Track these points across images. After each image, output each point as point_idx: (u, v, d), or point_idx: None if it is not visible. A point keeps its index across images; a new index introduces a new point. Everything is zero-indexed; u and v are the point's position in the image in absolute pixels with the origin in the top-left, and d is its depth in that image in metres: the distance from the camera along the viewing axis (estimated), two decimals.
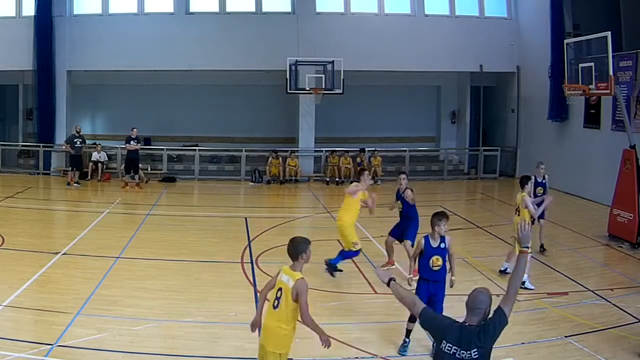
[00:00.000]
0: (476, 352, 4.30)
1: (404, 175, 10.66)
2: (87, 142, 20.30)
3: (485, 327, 4.34)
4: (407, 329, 7.40)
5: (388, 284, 4.93)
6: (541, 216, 11.26)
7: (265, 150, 22.16)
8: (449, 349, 4.33)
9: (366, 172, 10.33)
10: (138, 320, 7.91)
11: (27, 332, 7.48)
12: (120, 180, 20.04)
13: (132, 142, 18.97)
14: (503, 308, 4.39)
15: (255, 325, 5.73)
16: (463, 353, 4.30)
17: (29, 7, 20.90)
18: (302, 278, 5.40)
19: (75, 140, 19.38)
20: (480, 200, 19.54)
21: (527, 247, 4.58)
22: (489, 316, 4.39)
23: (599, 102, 17.38)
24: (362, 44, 21.22)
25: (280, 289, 5.44)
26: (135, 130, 19.08)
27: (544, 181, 12.04)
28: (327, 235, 13.36)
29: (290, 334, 5.47)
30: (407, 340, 7.39)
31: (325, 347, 5.49)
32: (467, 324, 4.39)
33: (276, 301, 5.44)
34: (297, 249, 5.48)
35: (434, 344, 5.30)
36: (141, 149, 19.42)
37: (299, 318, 5.46)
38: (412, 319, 7.23)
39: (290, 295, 5.35)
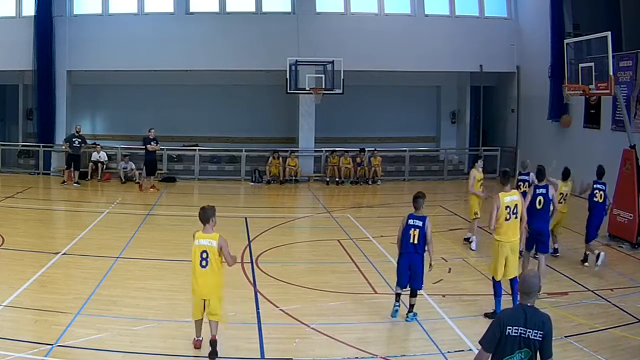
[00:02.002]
0: (541, 334, 4.41)
1: None
2: (88, 142, 20.24)
3: (548, 327, 4.45)
4: (396, 293, 8.10)
5: None
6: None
7: (265, 150, 22.11)
8: (515, 331, 4.41)
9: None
10: (138, 320, 7.91)
11: (27, 332, 7.48)
12: (138, 183, 19.49)
13: (152, 143, 18.60)
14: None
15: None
16: (529, 332, 4.40)
17: (29, 7, 20.86)
18: (220, 235, 6.78)
19: (73, 139, 19.33)
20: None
21: None
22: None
23: (599, 102, 17.34)
24: (362, 44, 21.18)
25: (204, 251, 6.72)
26: (153, 130, 18.69)
27: (527, 178, 12.05)
28: (327, 235, 13.40)
29: (222, 280, 6.93)
30: (397, 304, 8.06)
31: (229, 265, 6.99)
32: (528, 305, 4.49)
33: (203, 262, 6.72)
34: (207, 214, 6.79)
35: None
36: (151, 149, 18.66)
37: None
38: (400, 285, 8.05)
39: (216, 252, 6.72)
